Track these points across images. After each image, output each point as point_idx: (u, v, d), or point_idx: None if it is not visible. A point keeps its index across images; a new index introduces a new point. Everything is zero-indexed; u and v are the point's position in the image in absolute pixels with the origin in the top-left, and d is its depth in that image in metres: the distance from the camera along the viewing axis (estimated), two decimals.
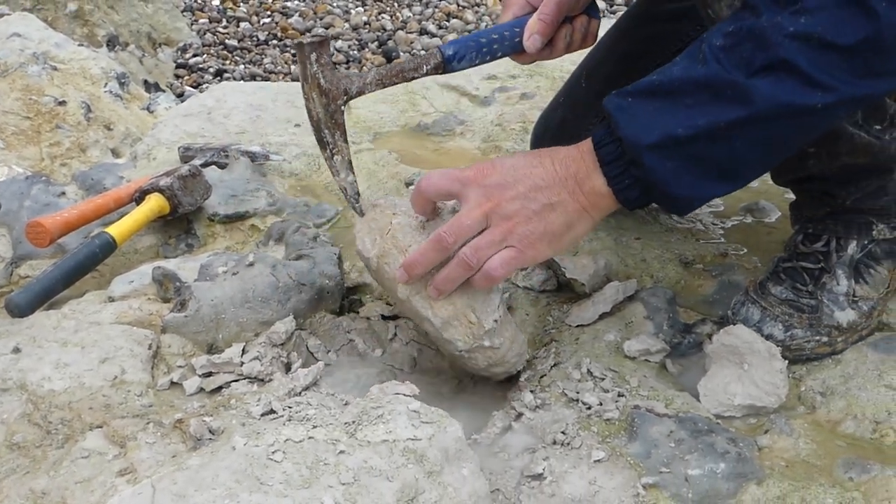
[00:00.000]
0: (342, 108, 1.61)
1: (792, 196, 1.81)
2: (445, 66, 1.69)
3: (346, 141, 1.63)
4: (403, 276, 1.48)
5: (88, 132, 2.64)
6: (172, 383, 1.59)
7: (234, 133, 2.46)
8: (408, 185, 2.20)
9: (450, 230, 1.43)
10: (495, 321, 1.52)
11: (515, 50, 1.73)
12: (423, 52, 1.75)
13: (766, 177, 2.20)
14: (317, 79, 1.57)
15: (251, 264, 1.76)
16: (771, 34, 1.28)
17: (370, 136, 2.50)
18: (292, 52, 4.60)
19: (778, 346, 1.63)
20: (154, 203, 2.00)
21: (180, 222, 2.08)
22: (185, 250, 2.04)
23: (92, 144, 2.62)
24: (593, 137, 1.42)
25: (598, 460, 1.46)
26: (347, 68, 4.48)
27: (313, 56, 1.56)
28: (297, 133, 2.46)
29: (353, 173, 1.66)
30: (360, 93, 1.63)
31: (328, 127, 1.62)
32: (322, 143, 1.63)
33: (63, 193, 2.18)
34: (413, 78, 1.68)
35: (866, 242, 1.71)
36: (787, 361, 1.62)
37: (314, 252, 1.84)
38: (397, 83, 1.67)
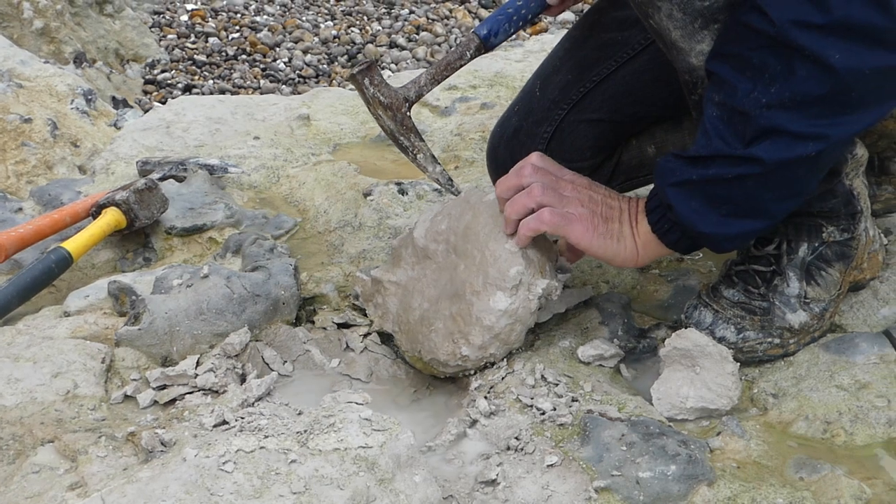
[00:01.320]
0: (408, 114, 1.83)
1: None
2: (485, 45, 1.86)
3: (422, 140, 1.87)
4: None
5: (55, 149, 2.63)
6: (126, 396, 1.59)
7: (193, 146, 2.46)
8: (366, 195, 2.20)
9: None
10: (553, 286, 1.66)
11: (542, 7, 1.87)
12: (460, 41, 1.90)
13: None
14: (377, 98, 1.82)
15: (206, 276, 1.76)
16: (751, 108, 1.41)
17: (330, 148, 2.51)
18: (261, 66, 4.60)
19: (730, 348, 1.64)
20: (110, 217, 1.99)
21: (137, 236, 2.07)
22: (143, 264, 2.03)
23: (58, 162, 2.62)
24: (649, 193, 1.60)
25: (551, 465, 1.46)
26: (317, 82, 4.48)
27: (366, 81, 1.79)
28: (257, 146, 2.46)
29: (439, 163, 1.90)
30: (419, 96, 1.84)
31: (402, 134, 1.87)
32: (402, 148, 1.87)
33: (20, 209, 2.17)
34: (460, 66, 1.87)
35: (817, 245, 1.72)
36: (739, 364, 1.63)
37: (270, 263, 1.85)
38: (448, 76, 1.87)
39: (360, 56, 4.68)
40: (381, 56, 4.69)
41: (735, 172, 1.45)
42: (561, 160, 1.96)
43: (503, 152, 2.07)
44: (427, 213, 1.76)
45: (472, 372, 1.68)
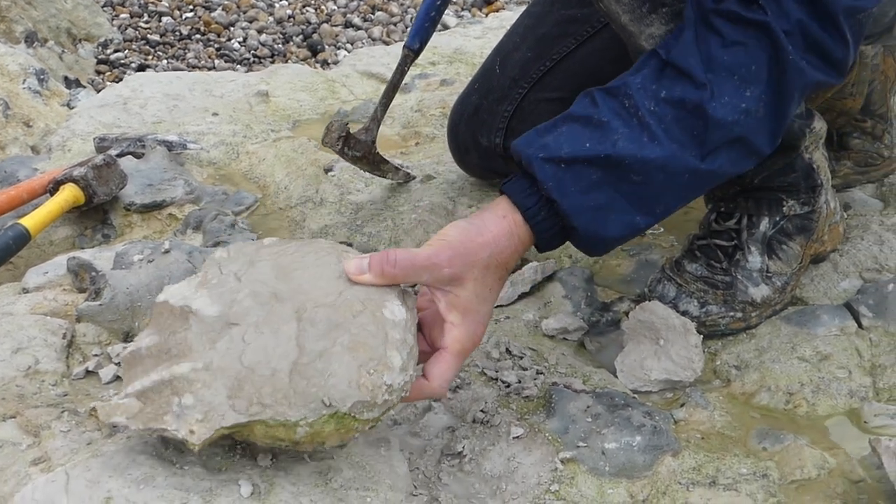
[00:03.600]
0: (376, 152, 2.05)
1: None
2: (416, 55, 2.03)
3: (388, 162, 2.10)
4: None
5: (7, 129, 2.60)
6: (88, 372, 1.57)
7: (151, 123, 2.44)
8: (326, 171, 2.19)
9: None
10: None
11: None
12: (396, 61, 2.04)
13: None
14: (355, 157, 2.01)
15: (167, 252, 1.74)
16: (724, 114, 1.31)
17: (289, 125, 2.49)
18: (216, 46, 4.56)
19: (693, 322, 1.65)
20: (68, 193, 1.97)
21: (96, 213, 2.05)
22: (102, 241, 2.01)
23: (11, 142, 2.58)
24: (526, 213, 1.34)
25: (517, 437, 1.47)
26: (272, 61, 4.44)
27: (346, 149, 1.97)
28: (215, 122, 2.44)
29: (403, 170, 2.14)
30: (378, 127, 2.04)
31: (378, 169, 2.09)
32: (381, 176, 2.11)
33: None
34: (402, 81, 2.05)
35: (778, 219, 1.73)
36: (702, 336, 1.64)
37: (232, 239, 1.84)
38: (393, 97, 2.06)
39: (315, 36, 4.64)
40: (337, 36, 4.66)
41: (684, 200, 1.40)
42: None
43: (464, 129, 2.07)
44: (182, 290, 1.30)
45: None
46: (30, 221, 1.89)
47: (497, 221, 1.34)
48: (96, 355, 1.60)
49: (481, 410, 1.51)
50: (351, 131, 1.99)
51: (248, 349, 1.22)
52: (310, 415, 1.21)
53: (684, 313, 1.68)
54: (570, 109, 1.38)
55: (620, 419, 1.49)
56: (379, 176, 2.12)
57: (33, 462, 1.34)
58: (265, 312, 1.24)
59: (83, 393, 1.52)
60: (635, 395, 1.57)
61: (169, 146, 2.25)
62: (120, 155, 2.18)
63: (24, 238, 1.87)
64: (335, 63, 4.14)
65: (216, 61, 4.44)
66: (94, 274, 1.72)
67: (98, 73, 4.29)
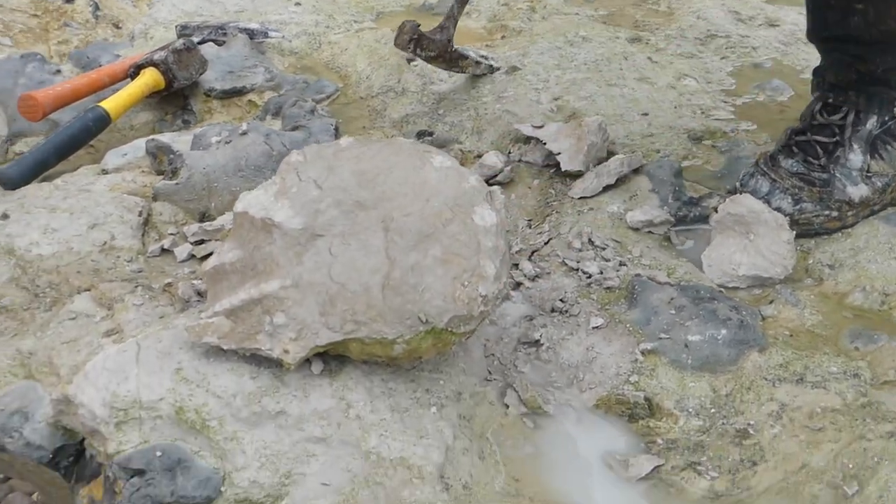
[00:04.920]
0: (452, 50, 2.00)
1: (807, 75, 1.73)
2: None
3: (467, 57, 2.07)
4: None
5: (97, 30, 2.59)
6: (163, 250, 1.56)
7: (233, 12, 2.42)
8: (409, 61, 2.15)
9: None
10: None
11: None
12: None
13: (781, 57, 2.14)
14: (430, 55, 1.96)
15: (245, 133, 1.72)
16: None
17: (373, 16, 2.45)
18: None
19: (786, 219, 1.58)
20: (149, 77, 1.95)
21: (177, 98, 2.04)
22: (182, 126, 2.00)
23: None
24: None
25: (597, 327, 1.42)
26: None
27: (419, 50, 1.93)
28: (298, 12, 2.40)
29: (485, 62, 2.11)
30: (455, 24, 1.98)
31: (456, 65, 2.06)
32: (460, 72, 2.08)
33: (58, 71, 2.13)
34: None
35: (886, 119, 1.65)
36: (794, 233, 1.57)
37: (310, 123, 1.80)
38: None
39: None
40: None
41: None
42: None
43: None
44: (261, 200, 1.23)
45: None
46: (110, 104, 1.88)
47: None
48: (172, 234, 1.59)
49: (560, 300, 1.47)
50: (424, 31, 1.93)
51: (336, 263, 1.18)
52: (406, 332, 1.18)
53: (777, 209, 1.60)
54: None
55: (705, 312, 1.43)
56: (457, 72, 2.07)
57: (106, 333, 1.34)
58: (350, 222, 1.20)
59: (158, 270, 1.51)
60: (722, 290, 1.51)
61: (251, 34, 2.22)
62: (201, 42, 2.16)
63: (104, 121, 1.86)
64: None
65: None
66: (171, 155, 1.70)
67: None
